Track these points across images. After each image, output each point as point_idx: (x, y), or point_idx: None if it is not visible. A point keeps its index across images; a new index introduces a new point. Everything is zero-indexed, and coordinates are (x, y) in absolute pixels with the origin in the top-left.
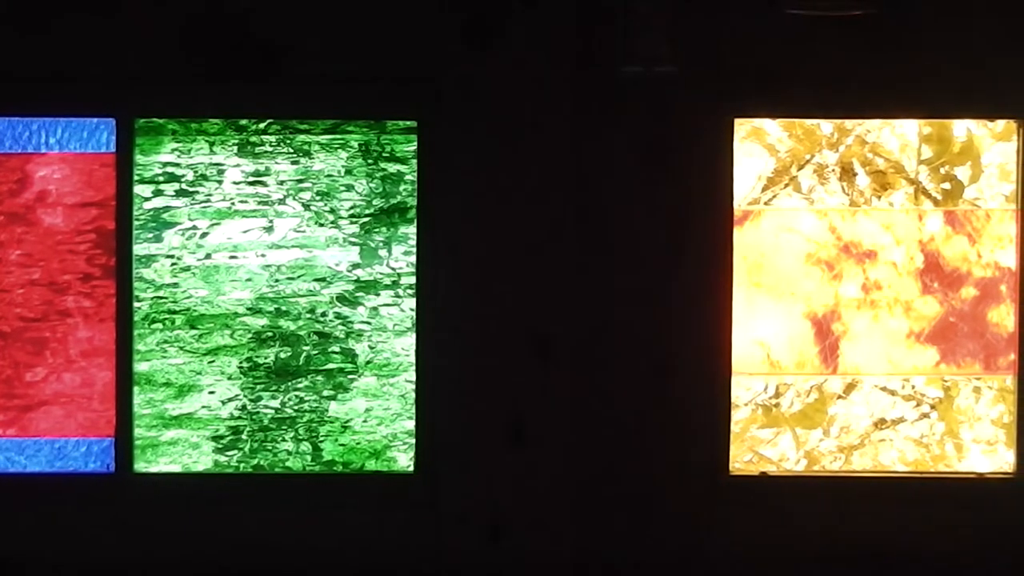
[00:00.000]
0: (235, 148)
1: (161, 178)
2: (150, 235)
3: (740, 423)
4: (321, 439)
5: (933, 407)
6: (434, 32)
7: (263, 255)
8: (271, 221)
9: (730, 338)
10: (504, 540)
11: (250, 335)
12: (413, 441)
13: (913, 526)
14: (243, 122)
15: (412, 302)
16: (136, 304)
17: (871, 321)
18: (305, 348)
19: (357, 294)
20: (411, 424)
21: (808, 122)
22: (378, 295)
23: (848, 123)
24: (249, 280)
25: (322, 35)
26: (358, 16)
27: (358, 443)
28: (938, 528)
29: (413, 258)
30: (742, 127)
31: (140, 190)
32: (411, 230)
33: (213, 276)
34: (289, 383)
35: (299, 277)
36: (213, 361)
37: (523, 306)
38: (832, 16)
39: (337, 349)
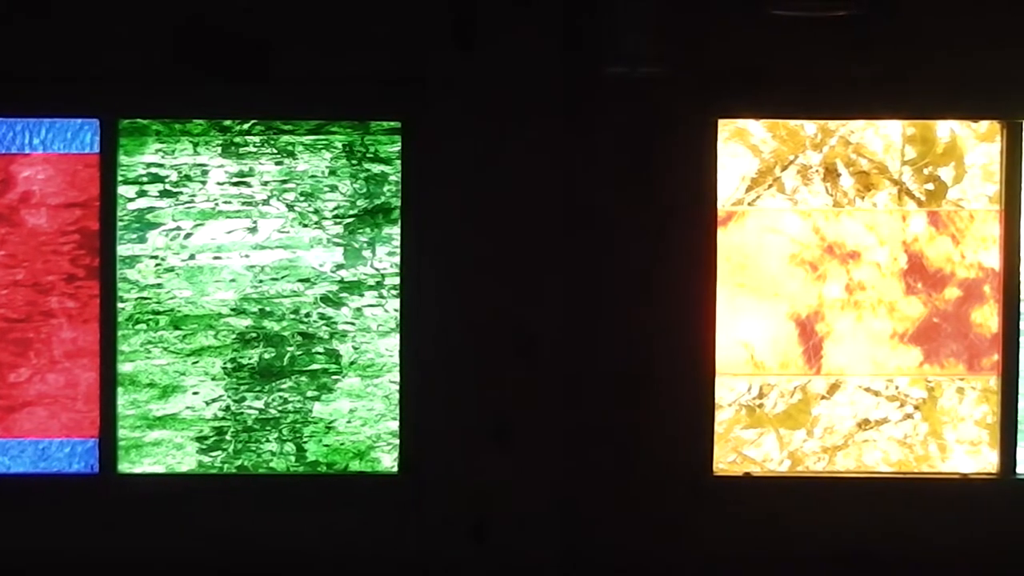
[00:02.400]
0: (219, 149)
1: (145, 179)
2: (134, 236)
3: (724, 424)
4: (305, 440)
5: (917, 408)
6: (419, 33)
7: (247, 256)
8: (255, 222)
9: (714, 339)
10: (488, 540)
11: (234, 336)
12: (397, 442)
13: (897, 526)
14: (227, 123)
15: (396, 303)
16: (120, 305)
17: (855, 322)
18: (289, 349)
19: (341, 295)
20: (395, 425)
21: (792, 123)
22: (362, 296)
23: (832, 124)
24: (233, 281)
25: (307, 36)
26: (343, 17)
27: (342, 444)
28: (922, 528)
29: (397, 259)
30: (726, 128)
31: (124, 191)
32: (395, 231)
33: (197, 277)
34: (273, 384)
35: (283, 278)
36: (197, 362)
37: (507, 306)
38: (816, 17)
39: (321, 350)
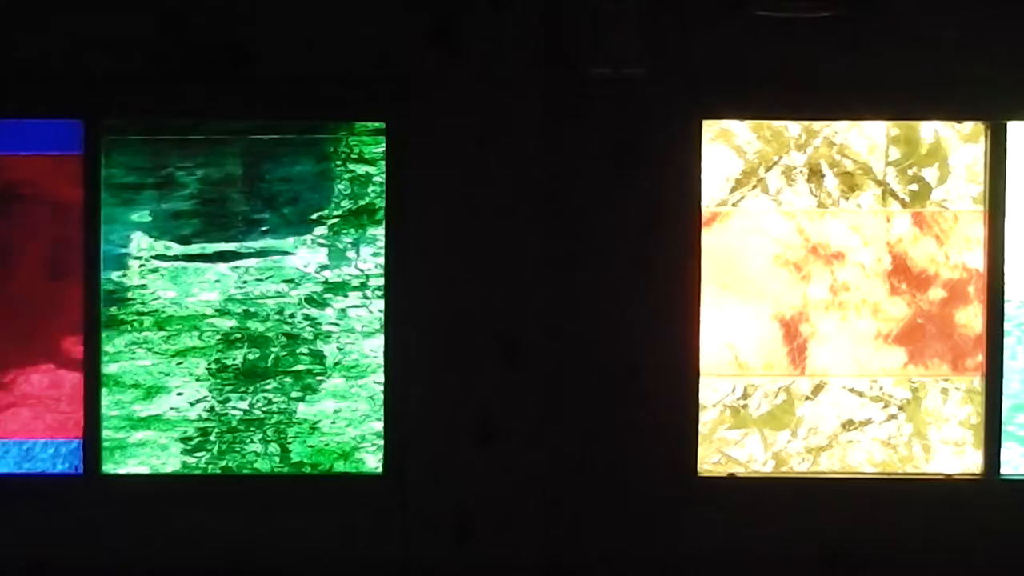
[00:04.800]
0: (203, 149)
1: (129, 179)
2: (118, 236)
3: (708, 424)
4: (289, 440)
5: (901, 408)
6: (403, 34)
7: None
8: (239, 222)
9: (698, 339)
10: (472, 542)
11: (218, 336)
12: (381, 443)
13: (881, 527)
14: (211, 123)
15: (380, 303)
16: (104, 306)
17: (839, 322)
18: (273, 349)
19: (325, 295)
20: (379, 425)
21: (776, 123)
22: (346, 296)
23: (816, 125)
24: (217, 282)
25: (290, 37)
26: (326, 17)
27: (326, 444)
28: (906, 530)
29: (381, 259)
30: (710, 128)
31: (107, 192)
32: (379, 231)
33: (181, 278)
34: (257, 384)
35: (267, 279)
36: (181, 363)
37: (492, 307)
38: (801, 18)
39: (305, 350)
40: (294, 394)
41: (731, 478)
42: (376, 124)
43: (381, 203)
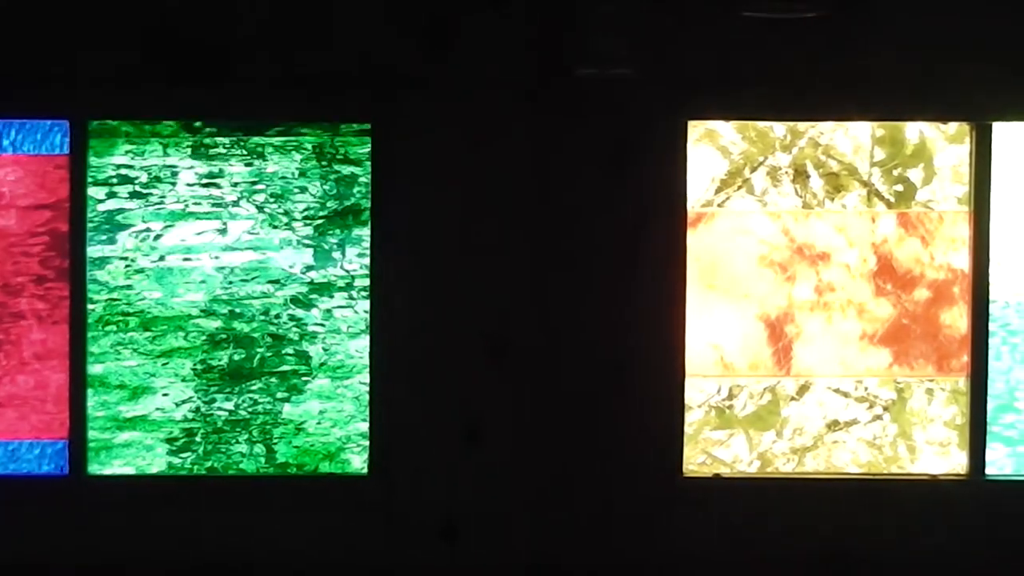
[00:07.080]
0: (188, 150)
1: (115, 180)
2: (104, 237)
3: (694, 425)
4: (275, 441)
5: (886, 409)
6: (391, 34)
7: (217, 257)
8: (225, 223)
9: (684, 340)
10: (458, 542)
11: (204, 337)
12: (367, 443)
13: (866, 528)
14: (196, 124)
15: (366, 304)
16: (90, 306)
17: (824, 323)
18: (259, 350)
19: (311, 296)
20: (365, 426)
21: (761, 124)
22: (332, 297)
23: (801, 125)
24: (203, 282)
25: (278, 37)
26: (314, 18)
27: (312, 445)
28: (890, 529)
29: (367, 260)
30: (695, 129)
31: (94, 192)
32: (365, 232)
33: (167, 278)
34: (243, 385)
35: (253, 279)
36: (167, 363)
37: (478, 308)
38: (786, 19)
39: (291, 351)
40: (279, 395)
41: (716, 478)
42: (362, 125)
43: (367, 204)
